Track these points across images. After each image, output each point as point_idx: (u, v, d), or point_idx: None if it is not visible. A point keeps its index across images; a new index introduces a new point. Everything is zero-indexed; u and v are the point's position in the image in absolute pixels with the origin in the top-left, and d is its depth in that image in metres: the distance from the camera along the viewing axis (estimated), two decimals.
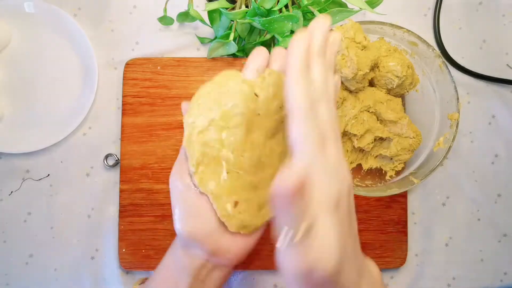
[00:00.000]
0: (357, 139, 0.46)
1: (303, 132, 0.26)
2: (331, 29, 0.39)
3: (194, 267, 0.35)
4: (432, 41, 0.56)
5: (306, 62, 0.28)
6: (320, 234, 0.25)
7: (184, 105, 0.36)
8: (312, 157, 0.26)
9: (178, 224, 0.34)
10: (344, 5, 0.49)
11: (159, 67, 0.53)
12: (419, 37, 0.46)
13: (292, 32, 0.49)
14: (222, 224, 0.34)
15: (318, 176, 0.26)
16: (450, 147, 0.45)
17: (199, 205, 0.34)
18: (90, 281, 0.53)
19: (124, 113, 0.53)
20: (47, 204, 0.54)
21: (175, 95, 0.53)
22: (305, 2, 0.47)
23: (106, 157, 0.54)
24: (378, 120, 0.47)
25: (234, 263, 0.36)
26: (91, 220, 0.54)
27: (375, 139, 0.47)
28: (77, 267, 0.53)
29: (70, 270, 0.53)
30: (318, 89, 0.28)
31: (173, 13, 0.53)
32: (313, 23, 0.30)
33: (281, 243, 0.26)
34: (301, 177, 0.25)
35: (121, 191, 0.52)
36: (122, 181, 0.52)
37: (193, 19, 0.54)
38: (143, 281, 0.44)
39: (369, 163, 0.49)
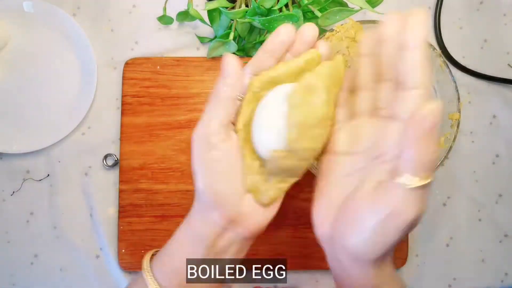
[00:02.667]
0: None
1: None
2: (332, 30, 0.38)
3: (210, 236, 0.33)
4: (432, 40, 0.56)
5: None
6: (428, 190, 0.27)
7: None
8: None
9: (201, 182, 0.33)
10: (344, 4, 0.49)
11: (158, 67, 0.53)
12: None
13: None
14: (244, 188, 0.33)
15: None
16: (451, 147, 0.45)
17: (224, 165, 0.32)
18: (97, 280, 0.53)
19: (123, 113, 0.53)
20: (49, 204, 0.54)
21: (174, 94, 0.53)
22: (305, 2, 0.47)
23: (106, 157, 0.54)
24: None
25: (252, 235, 0.34)
26: (93, 219, 0.54)
27: None
28: (83, 266, 0.53)
29: (76, 270, 0.53)
30: None
31: (172, 13, 0.53)
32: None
33: (407, 181, 0.26)
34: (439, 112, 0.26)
35: (120, 191, 0.52)
36: (121, 181, 0.52)
37: (192, 18, 0.54)
38: (154, 254, 0.43)
39: None
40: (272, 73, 0.33)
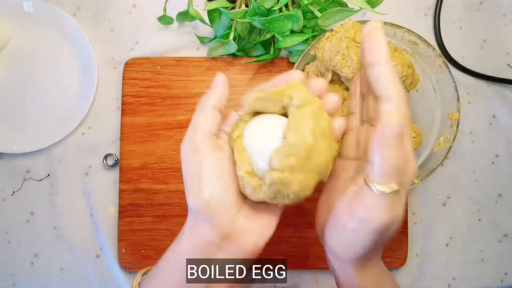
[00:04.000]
0: None
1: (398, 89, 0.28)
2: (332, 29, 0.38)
3: (201, 250, 0.32)
4: (432, 40, 0.56)
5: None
6: (404, 196, 0.28)
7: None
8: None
9: (191, 192, 0.31)
10: (344, 5, 0.49)
11: (158, 67, 0.53)
12: (419, 37, 0.46)
13: (292, 31, 0.49)
14: (240, 200, 0.32)
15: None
16: (450, 147, 0.45)
17: (216, 173, 0.31)
18: (97, 280, 0.53)
19: (123, 113, 0.53)
20: (49, 204, 0.54)
21: (174, 94, 0.53)
22: (305, 2, 0.47)
23: (106, 157, 0.54)
24: None
25: (248, 255, 0.32)
26: (93, 219, 0.54)
27: None
28: (83, 266, 0.53)
29: (76, 269, 0.53)
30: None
31: (172, 13, 0.53)
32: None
33: (374, 188, 0.27)
34: (405, 120, 0.27)
35: (120, 191, 0.52)
36: (121, 181, 0.52)
37: (192, 18, 0.54)
38: (145, 273, 0.42)
39: None
40: (261, 94, 0.32)
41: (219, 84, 0.34)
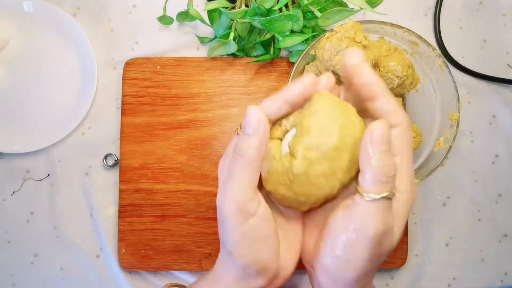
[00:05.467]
0: None
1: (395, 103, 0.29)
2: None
3: None
4: (432, 40, 0.56)
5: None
6: (400, 208, 0.29)
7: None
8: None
9: (244, 255, 0.30)
10: (344, 5, 0.49)
11: (158, 67, 0.53)
12: (419, 37, 0.46)
13: (292, 31, 0.49)
14: (277, 232, 0.31)
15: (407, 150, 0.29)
16: (450, 147, 0.45)
17: (264, 230, 0.30)
18: (97, 280, 0.53)
19: (123, 113, 0.53)
20: (49, 204, 0.54)
21: (174, 94, 0.53)
22: (305, 2, 0.47)
23: (106, 157, 0.54)
24: None
25: (286, 282, 0.33)
26: (93, 219, 0.54)
27: None
28: (83, 266, 0.53)
29: (76, 269, 0.53)
30: None
31: (172, 13, 0.53)
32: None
33: (366, 194, 0.27)
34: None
35: (120, 191, 0.52)
36: (121, 181, 0.52)
37: (192, 18, 0.54)
38: (172, 286, 0.42)
39: None
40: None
41: (261, 128, 0.29)
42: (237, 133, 0.31)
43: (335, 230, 0.29)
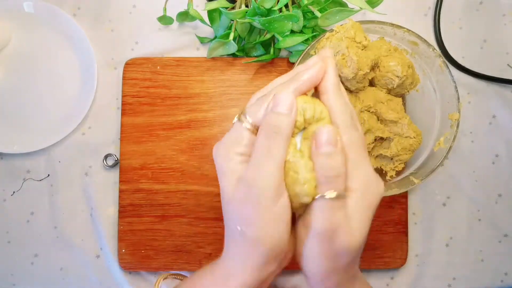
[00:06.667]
0: None
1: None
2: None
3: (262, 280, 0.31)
4: (432, 40, 0.56)
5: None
6: (354, 207, 0.29)
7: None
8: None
9: (267, 241, 0.29)
10: (344, 5, 0.49)
11: (158, 67, 0.53)
12: (419, 37, 0.46)
13: (292, 31, 0.49)
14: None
15: (360, 156, 0.30)
16: (450, 147, 0.45)
17: (287, 216, 0.30)
18: (97, 279, 0.53)
19: (123, 113, 0.53)
20: (49, 204, 0.54)
21: (175, 95, 0.53)
22: (305, 2, 0.47)
23: (106, 157, 0.54)
24: (378, 120, 0.47)
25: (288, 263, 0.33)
26: (93, 219, 0.54)
27: (375, 139, 0.47)
28: (83, 266, 0.53)
29: (76, 269, 0.53)
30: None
31: (172, 13, 0.53)
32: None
33: (321, 192, 0.28)
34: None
35: (120, 191, 0.52)
36: (121, 181, 0.52)
37: (192, 18, 0.54)
38: (166, 277, 0.42)
39: None
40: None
41: (294, 108, 0.30)
42: (239, 119, 0.31)
43: (299, 231, 0.31)
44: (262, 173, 0.29)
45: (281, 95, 0.30)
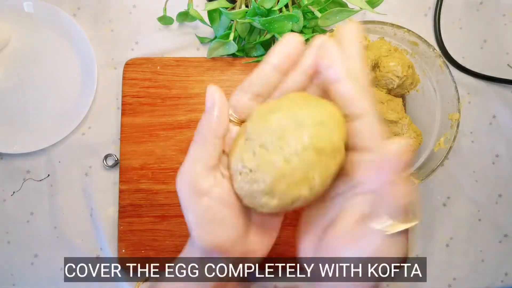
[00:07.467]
0: None
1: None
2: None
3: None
4: (432, 41, 0.56)
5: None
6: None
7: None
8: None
9: (200, 235, 0.28)
10: (344, 5, 0.49)
11: (158, 67, 0.53)
12: (419, 37, 0.46)
13: (292, 32, 0.49)
14: (247, 222, 0.30)
15: None
16: (450, 147, 0.45)
17: (222, 212, 0.28)
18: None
19: (123, 113, 0.53)
20: (49, 204, 0.54)
21: (175, 95, 0.53)
22: (305, 2, 0.47)
23: (106, 157, 0.54)
24: None
25: (260, 261, 0.32)
26: (93, 219, 0.54)
27: None
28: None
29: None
30: None
31: (172, 13, 0.53)
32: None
33: (384, 226, 0.25)
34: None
35: (120, 191, 0.52)
36: (121, 182, 0.52)
37: (193, 18, 0.54)
38: (146, 280, 0.41)
39: None
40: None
41: (217, 106, 0.28)
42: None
43: (345, 251, 0.27)
44: (179, 175, 0.29)
45: (207, 91, 0.29)
